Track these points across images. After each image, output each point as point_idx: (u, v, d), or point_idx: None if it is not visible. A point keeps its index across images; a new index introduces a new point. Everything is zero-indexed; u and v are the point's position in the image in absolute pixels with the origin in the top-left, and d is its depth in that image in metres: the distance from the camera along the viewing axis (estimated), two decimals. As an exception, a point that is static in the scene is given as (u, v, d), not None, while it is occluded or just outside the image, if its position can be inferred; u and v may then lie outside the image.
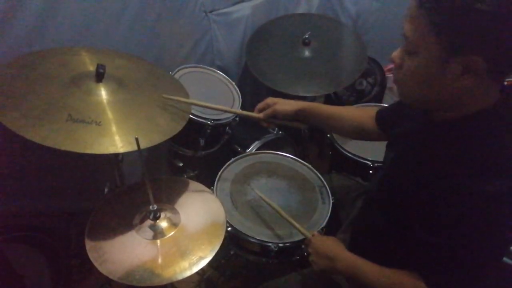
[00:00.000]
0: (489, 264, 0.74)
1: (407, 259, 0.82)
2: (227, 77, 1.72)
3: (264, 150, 1.52)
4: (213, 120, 1.48)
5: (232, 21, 1.84)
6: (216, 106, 1.33)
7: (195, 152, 1.60)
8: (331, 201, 1.26)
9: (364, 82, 2.09)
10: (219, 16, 1.78)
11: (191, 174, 1.74)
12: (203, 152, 1.60)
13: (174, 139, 1.47)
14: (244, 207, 1.24)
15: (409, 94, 0.81)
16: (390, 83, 2.14)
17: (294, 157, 1.45)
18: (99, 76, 1.04)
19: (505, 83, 0.76)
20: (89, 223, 1.01)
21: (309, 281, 1.07)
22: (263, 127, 1.33)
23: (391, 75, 2.15)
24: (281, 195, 1.29)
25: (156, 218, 0.99)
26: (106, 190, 1.29)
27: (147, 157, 1.76)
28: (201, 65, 1.70)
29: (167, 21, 1.58)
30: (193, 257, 0.93)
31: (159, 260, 0.92)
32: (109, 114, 0.99)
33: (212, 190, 1.24)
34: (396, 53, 0.79)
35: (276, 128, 1.74)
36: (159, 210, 1.00)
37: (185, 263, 0.91)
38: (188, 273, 0.90)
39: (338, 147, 1.55)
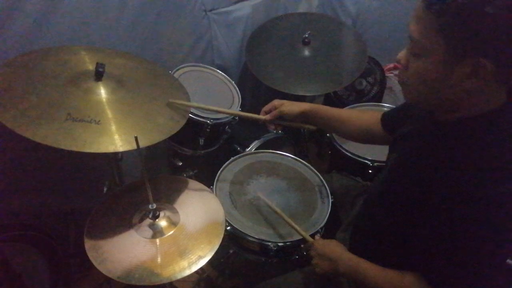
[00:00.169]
0: (493, 266, 0.73)
1: (408, 259, 0.82)
2: (226, 76, 1.72)
3: (263, 149, 1.51)
4: (213, 119, 1.48)
5: (232, 20, 1.84)
6: (224, 109, 1.34)
7: (194, 151, 1.59)
8: (330, 201, 1.26)
9: (364, 82, 2.09)
10: (219, 15, 1.78)
11: (191, 173, 1.74)
12: (203, 151, 1.60)
13: (174, 138, 1.47)
14: (243, 206, 1.24)
15: (414, 95, 0.80)
16: (389, 83, 2.14)
17: (294, 157, 1.45)
18: (99, 75, 1.04)
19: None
20: (88, 222, 1.00)
21: (309, 279, 1.07)
22: (264, 127, 1.33)
23: (391, 74, 2.16)
24: (281, 195, 1.29)
25: (155, 217, 0.99)
26: (105, 189, 1.29)
27: (147, 156, 1.76)
28: (200, 64, 1.70)
29: (166, 20, 1.57)
30: (192, 256, 0.93)
31: (158, 259, 0.92)
32: (109, 113, 0.99)
33: (212, 189, 1.24)
34: (401, 54, 0.79)
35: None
36: (158, 209, 1.00)
37: (184, 262, 0.91)
38: (187, 272, 0.90)
39: (338, 146, 1.55)
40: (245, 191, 1.29)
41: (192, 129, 1.48)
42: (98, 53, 1.19)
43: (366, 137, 1.18)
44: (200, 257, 0.93)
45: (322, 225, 1.19)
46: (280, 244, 1.13)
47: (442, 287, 0.76)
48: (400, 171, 0.89)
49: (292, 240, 1.14)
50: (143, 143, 0.92)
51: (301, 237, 1.11)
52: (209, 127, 1.49)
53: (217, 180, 1.30)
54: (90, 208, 1.05)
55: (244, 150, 1.63)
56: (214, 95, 1.63)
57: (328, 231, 1.23)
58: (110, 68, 1.08)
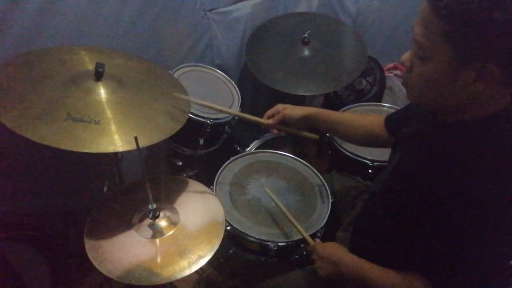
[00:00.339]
0: (496, 268, 0.73)
1: (408, 259, 0.82)
2: (226, 76, 1.72)
3: (263, 149, 1.51)
4: (213, 119, 1.48)
5: (232, 20, 1.84)
6: (228, 109, 1.34)
7: (194, 151, 1.59)
8: (330, 201, 1.26)
9: (364, 81, 2.09)
10: (218, 15, 1.78)
11: (191, 173, 1.75)
12: (203, 151, 1.60)
13: (174, 138, 1.47)
14: (243, 206, 1.24)
15: (418, 97, 0.80)
16: (389, 82, 2.14)
17: (294, 156, 1.45)
18: (98, 75, 1.04)
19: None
20: (88, 222, 1.00)
21: (310, 279, 1.07)
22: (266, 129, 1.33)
23: (391, 74, 2.16)
24: (281, 195, 1.29)
25: (155, 217, 0.99)
26: (105, 189, 1.29)
27: (146, 156, 1.76)
28: (200, 64, 1.70)
29: (166, 19, 1.57)
30: (192, 256, 0.93)
31: (158, 259, 0.92)
32: (108, 113, 0.99)
33: (212, 189, 1.24)
34: (405, 56, 0.78)
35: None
36: (158, 209, 1.00)
37: (184, 262, 0.91)
38: (187, 272, 0.90)
39: (338, 146, 1.55)
40: (245, 191, 1.29)
41: (192, 129, 1.48)
42: (98, 53, 1.19)
43: (369, 140, 1.18)
44: (200, 257, 0.93)
45: (322, 225, 1.19)
46: (280, 244, 1.13)
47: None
48: (403, 172, 0.88)
49: (292, 240, 1.14)
50: (143, 143, 0.92)
51: (301, 237, 1.11)
52: (209, 127, 1.49)
53: (217, 180, 1.30)
54: (90, 208, 1.05)
55: (244, 150, 1.63)
56: (214, 95, 1.63)
57: (328, 231, 1.23)
58: (110, 68, 1.08)
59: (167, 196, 1.09)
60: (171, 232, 0.98)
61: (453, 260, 0.74)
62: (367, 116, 1.21)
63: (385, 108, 1.79)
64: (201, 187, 1.16)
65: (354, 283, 0.92)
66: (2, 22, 1.13)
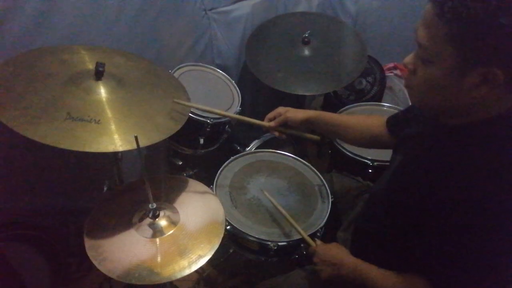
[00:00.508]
0: (496, 269, 0.73)
1: (408, 260, 0.82)
2: (226, 76, 1.72)
3: (263, 149, 1.51)
4: (213, 118, 1.48)
5: (232, 20, 1.84)
6: (229, 114, 1.34)
7: (194, 151, 1.59)
8: (330, 201, 1.26)
9: (364, 81, 2.09)
10: (218, 14, 1.78)
11: (191, 172, 1.74)
12: (203, 151, 1.60)
13: (174, 138, 1.47)
14: (243, 205, 1.24)
15: (421, 100, 0.80)
16: (389, 82, 2.14)
17: (294, 156, 1.45)
18: (98, 74, 1.04)
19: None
20: (88, 222, 1.00)
21: (310, 278, 1.07)
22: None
23: (391, 74, 2.15)
24: (281, 194, 1.29)
25: (155, 216, 0.99)
26: (105, 188, 1.29)
27: (146, 156, 1.76)
28: (200, 64, 1.70)
29: (166, 19, 1.57)
30: (192, 256, 0.93)
31: (158, 259, 0.92)
32: (108, 113, 0.99)
33: (212, 188, 1.24)
34: (409, 59, 0.77)
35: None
36: (158, 208, 1.00)
37: (184, 262, 0.91)
38: (187, 272, 0.90)
39: (338, 146, 1.55)
40: (245, 190, 1.29)
41: (192, 129, 1.48)
42: (98, 53, 1.19)
43: (371, 142, 1.18)
44: (200, 257, 0.93)
45: (322, 225, 1.19)
46: (280, 243, 1.13)
47: None
48: (405, 173, 0.88)
49: (292, 239, 1.14)
50: (143, 143, 0.92)
51: (300, 237, 1.11)
52: (209, 126, 1.49)
53: (217, 179, 1.30)
54: (90, 208, 1.05)
55: (244, 149, 1.63)
56: (214, 95, 1.63)
57: (329, 231, 1.23)
58: (110, 68, 1.08)
59: (167, 195, 1.09)
60: (171, 232, 0.98)
61: (453, 261, 0.74)
62: (368, 118, 1.21)
63: (385, 108, 1.79)
64: (201, 186, 1.16)
65: (355, 285, 0.92)
66: (3, 22, 1.12)
